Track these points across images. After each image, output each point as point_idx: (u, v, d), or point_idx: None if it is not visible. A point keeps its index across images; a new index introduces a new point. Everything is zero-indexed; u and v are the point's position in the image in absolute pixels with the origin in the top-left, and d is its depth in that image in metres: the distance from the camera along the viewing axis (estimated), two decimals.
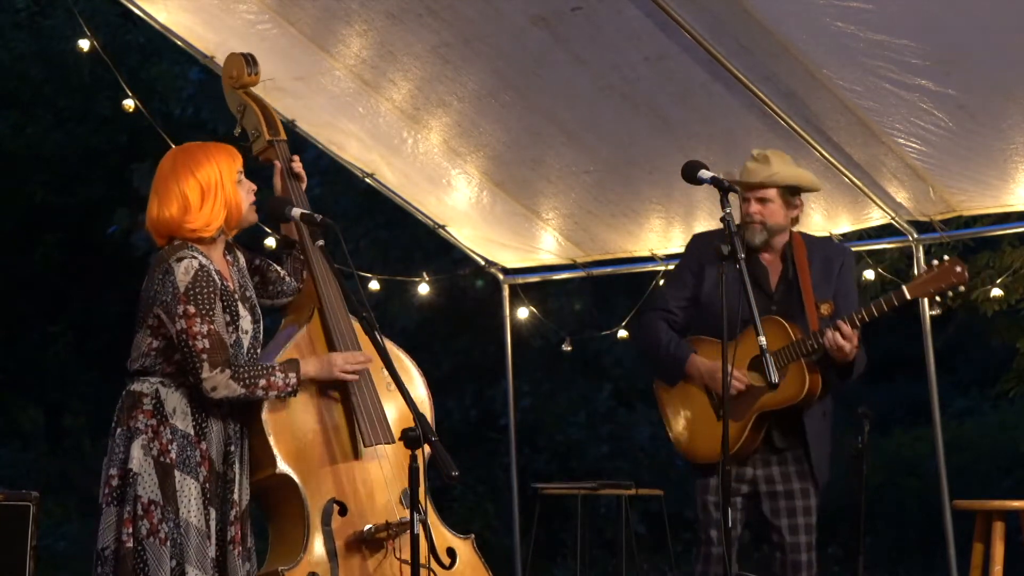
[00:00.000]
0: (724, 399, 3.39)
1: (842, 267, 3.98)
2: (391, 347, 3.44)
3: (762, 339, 3.38)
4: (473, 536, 3.46)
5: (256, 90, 5.44)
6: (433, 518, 3.37)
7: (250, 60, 3.60)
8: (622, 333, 6.73)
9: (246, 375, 3.12)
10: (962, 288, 3.88)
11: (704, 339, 3.94)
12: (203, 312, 3.09)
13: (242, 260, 3.34)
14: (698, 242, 4.10)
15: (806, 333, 3.82)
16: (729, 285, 3.86)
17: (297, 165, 3.53)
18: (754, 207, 3.89)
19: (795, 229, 4.04)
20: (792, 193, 3.94)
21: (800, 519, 3.90)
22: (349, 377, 3.29)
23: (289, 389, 3.17)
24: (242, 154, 3.30)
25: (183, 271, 3.09)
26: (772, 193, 3.90)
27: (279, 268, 3.44)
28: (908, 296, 3.83)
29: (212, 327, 3.09)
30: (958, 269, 3.81)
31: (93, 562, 3.10)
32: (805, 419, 3.87)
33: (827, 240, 4.20)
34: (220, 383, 3.08)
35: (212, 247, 3.22)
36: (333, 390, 3.33)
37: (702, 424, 3.92)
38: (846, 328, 3.74)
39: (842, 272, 3.97)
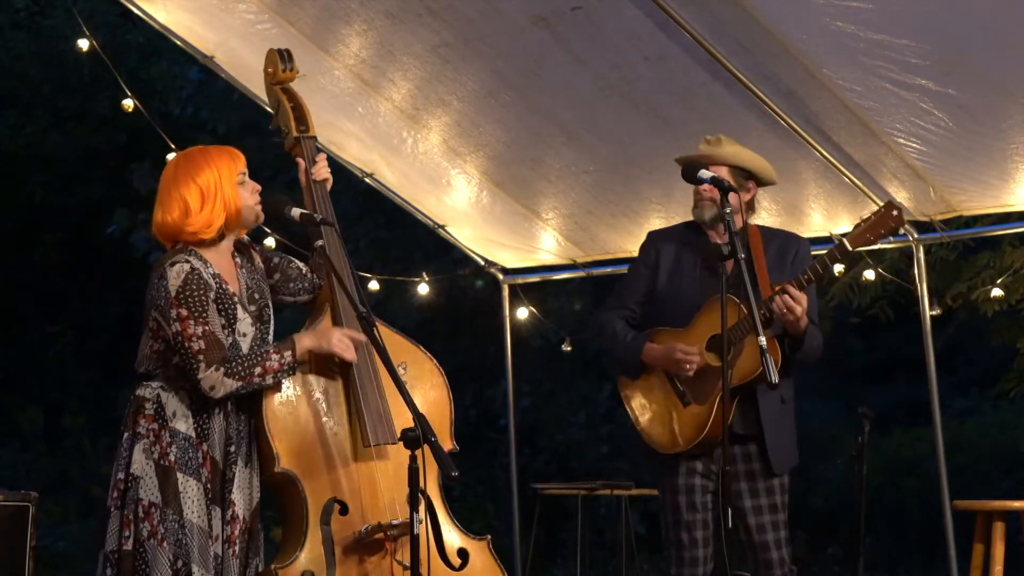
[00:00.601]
0: (725, 396, 3.39)
1: (797, 254, 3.99)
2: (414, 348, 3.44)
3: (762, 339, 3.37)
4: (489, 538, 3.42)
5: (259, 87, 5.44)
6: (445, 518, 3.35)
7: (285, 56, 3.59)
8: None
9: (240, 368, 3.15)
10: (901, 230, 3.87)
11: (663, 329, 3.94)
12: (195, 314, 3.13)
13: (258, 261, 3.37)
14: (653, 237, 4.13)
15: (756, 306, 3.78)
16: (685, 273, 3.87)
17: (320, 165, 3.50)
18: (704, 185, 3.87)
19: (753, 222, 4.03)
20: (744, 177, 3.95)
21: (767, 517, 3.87)
22: (345, 351, 3.26)
23: (286, 367, 3.19)
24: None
25: (175, 275, 3.14)
26: (722, 171, 3.89)
27: (301, 265, 3.46)
28: (849, 247, 3.84)
29: (207, 327, 3.13)
30: (894, 213, 3.82)
31: (100, 564, 3.14)
32: (760, 403, 3.83)
33: (784, 231, 4.23)
34: (216, 381, 3.12)
35: (216, 249, 3.26)
36: (339, 388, 3.32)
37: (668, 413, 3.90)
38: (793, 289, 3.73)
39: (797, 259, 3.97)
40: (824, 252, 3.84)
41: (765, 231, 4.05)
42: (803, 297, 3.75)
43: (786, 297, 3.72)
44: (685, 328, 3.86)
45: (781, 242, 4.02)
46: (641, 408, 4.00)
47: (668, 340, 3.90)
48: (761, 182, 4.01)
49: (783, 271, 3.92)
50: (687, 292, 3.88)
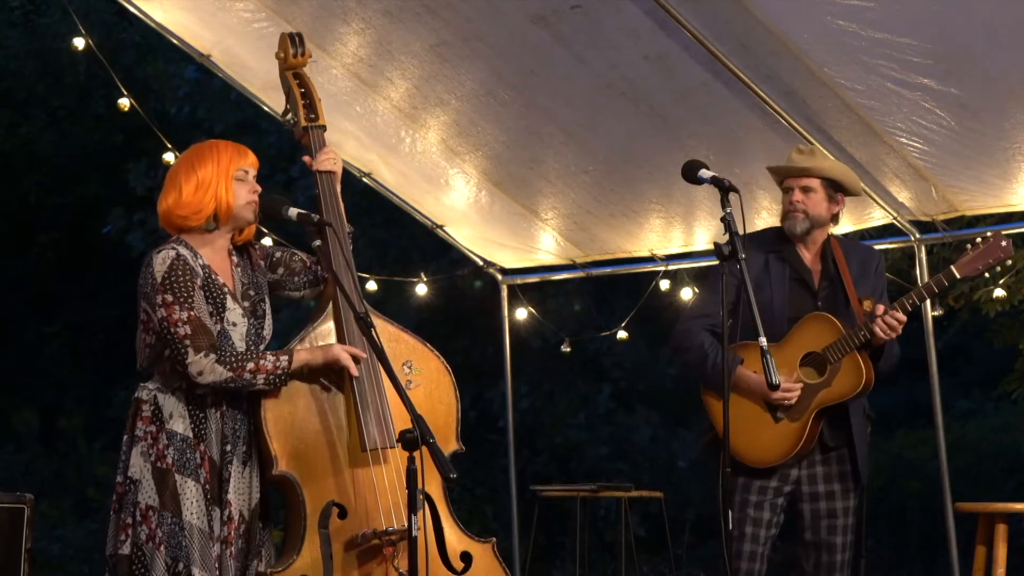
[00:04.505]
0: (725, 400, 3.35)
1: (877, 267, 4.02)
2: (421, 346, 3.41)
3: (763, 340, 3.35)
4: (494, 540, 3.39)
5: (256, 86, 5.39)
6: (448, 520, 3.31)
7: (296, 40, 3.52)
8: (622, 334, 6.70)
9: (232, 359, 3.12)
10: (1008, 262, 3.89)
11: (750, 344, 3.85)
12: (181, 300, 3.12)
13: (256, 259, 3.36)
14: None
15: (854, 327, 3.82)
16: (774, 283, 3.86)
17: (324, 156, 3.45)
18: (797, 196, 3.91)
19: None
20: (835, 189, 3.95)
21: (840, 519, 3.91)
22: (345, 360, 3.21)
23: (279, 371, 3.15)
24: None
25: (160, 261, 3.15)
26: (816, 183, 3.92)
27: (304, 257, 3.44)
28: (957, 275, 3.86)
29: (192, 313, 3.12)
30: (1003, 244, 3.84)
31: (104, 568, 3.16)
32: (851, 415, 3.88)
33: (858, 242, 4.25)
34: (205, 367, 3.10)
35: (211, 246, 3.25)
36: (339, 390, 3.29)
37: (758, 428, 3.87)
38: (900, 315, 3.77)
39: (878, 271, 4.01)
40: (932, 278, 3.88)
41: (844, 243, 4.07)
42: (904, 320, 3.78)
43: (891, 320, 3.75)
44: (777, 343, 3.80)
45: (862, 253, 4.04)
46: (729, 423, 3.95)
47: (758, 356, 3.80)
48: (849, 193, 4.02)
49: (867, 281, 3.95)
50: (776, 304, 3.85)
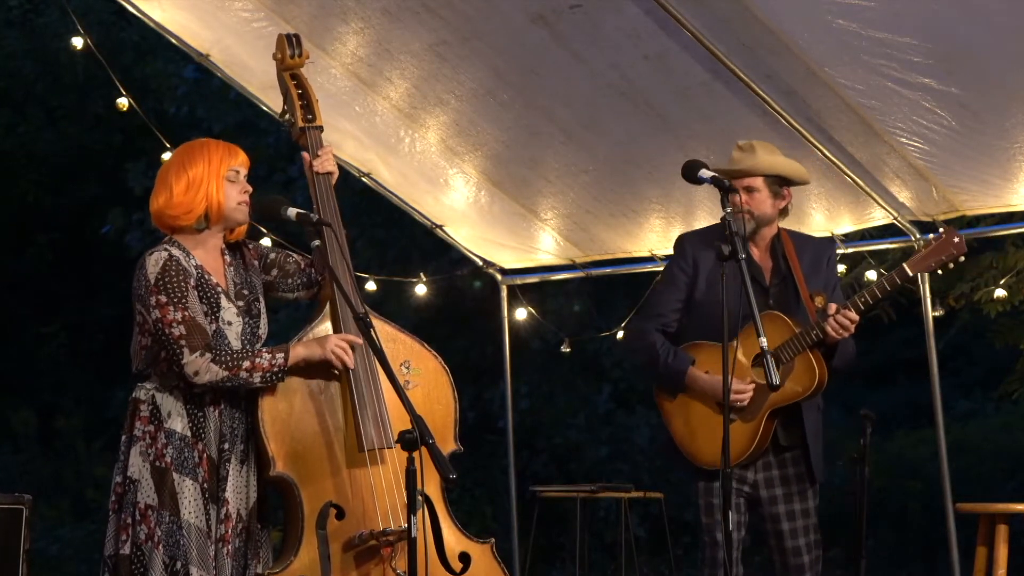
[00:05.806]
0: (725, 401, 3.35)
1: (829, 260, 4.00)
2: (419, 346, 3.41)
3: (763, 340, 3.34)
4: (493, 541, 3.39)
5: (255, 85, 5.39)
6: (447, 521, 3.31)
7: (293, 41, 3.53)
8: (621, 334, 6.68)
9: (228, 358, 3.13)
10: (962, 258, 3.88)
11: (702, 344, 3.88)
12: (175, 300, 3.12)
13: (250, 259, 3.35)
14: (689, 242, 4.03)
15: (806, 326, 3.80)
16: (727, 284, 3.83)
17: (323, 157, 3.44)
18: (741, 196, 3.85)
19: (783, 225, 4.01)
20: (779, 184, 3.92)
21: (800, 521, 3.88)
22: (342, 355, 3.21)
23: (276, 369, 3.15)
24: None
25: (153, 263, 3.16)
26: (758, 182, 3.89)
27: (299, 259, 3.43)
28: (909, 272, 3.84)
29: (186, 313, 3.13)
30: (956, 240, 3.82)
31: (101, 568, 3.17)
32: (804, 414, 3.85)
33: (810, 236, 4.21)
34: (201, 367, 3.10)
35: (203, 246, 3.26)
36: (337, 391, 3.28)
37: (710, 430, 3.84)
38: (852, 314, 3.74)
39: (829, 264, 3.99)
40: (884, 276, 3.86)
41: (796, 237, 4.03)
42: (857, 319, 3.75)
43: (843, 319, 3.72)
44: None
45: (814, 247, 4.02)
46: (682, 423, 3.93)
47: (710, 358, 3.82)
48: (794, 184, 3.99)
49: (819, 276, 3.93)
50: (729, 302, 3.83)
